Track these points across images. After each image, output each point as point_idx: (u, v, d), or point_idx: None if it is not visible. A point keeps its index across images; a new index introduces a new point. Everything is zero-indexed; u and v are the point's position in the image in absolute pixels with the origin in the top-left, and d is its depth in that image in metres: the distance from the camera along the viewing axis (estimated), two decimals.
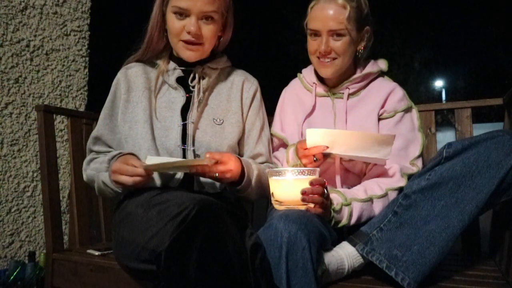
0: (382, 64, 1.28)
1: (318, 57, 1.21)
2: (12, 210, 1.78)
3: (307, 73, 1.34)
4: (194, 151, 1.13)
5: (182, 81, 1.18)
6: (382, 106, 1.22)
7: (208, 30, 1.12)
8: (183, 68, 1.19)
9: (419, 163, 1.19)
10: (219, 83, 1.23)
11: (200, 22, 1.11)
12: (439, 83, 17.89)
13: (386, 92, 1.22)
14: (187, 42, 1.12)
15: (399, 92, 1.23)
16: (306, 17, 1.23)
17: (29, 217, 1.83)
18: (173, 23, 1.11)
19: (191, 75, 1.18)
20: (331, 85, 1.28)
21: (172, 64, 1.19)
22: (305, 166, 1.16)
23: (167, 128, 1.13)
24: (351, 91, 1.25)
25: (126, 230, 0.93)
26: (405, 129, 1.20)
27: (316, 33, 1.18)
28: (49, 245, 1.36)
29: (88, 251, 1.34)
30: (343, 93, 1.25)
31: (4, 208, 1.75)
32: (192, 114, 1.15)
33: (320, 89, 1.30)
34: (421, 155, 1.20)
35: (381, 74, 1.29)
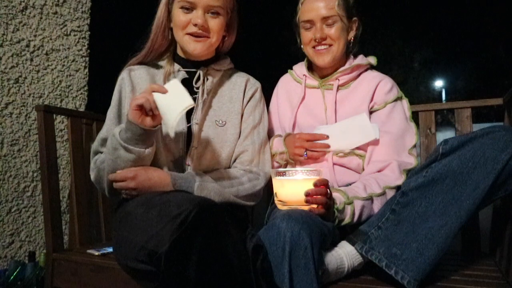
0: (371, 59, 1.32)
1: (314, 47, 1.25)
2: (12, 210, 1.78)
3: (298, 67, 1.39)
4: (197, 151, 1.14)
5: (186, 83, 1.18)
6: (372, 99, 1.24)
7: (215, 24, 1.13)
8: (187, 69, 1.19)
9: (415, 152, 1.21)
10: (222, 85, 1.23)
11: (206, 15, 1.12)
12: (439, 83, 17.87)
13: (374, 84, 1.25)
14: (193, 34, 1.13)
15: (387, 84, 1.25)
16: (297, 13, 1.30)
17: (29, 217, 1.83)
18: (180, 17, 1.12)
19: (196, 76, 1.18)
20: (322, 77, 1.31)
21: (176, 66, 1.19)
22: (292, 156, 1.23)
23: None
24: (341, 82, 1.28)
25: (126, 230, 0.92)
26: (399, 119, 1.22)
27: (310, 24, 1.25)
28: (49, 245, 1.36)
29: (88, 251, 1.34)
30: (332, 84, 1.28)
31: (4, 208, 1.75)
32: (196, 116, 1.16)
33: (310, 81, 1.33)
34: (415, 144, 1.21)
35: (370, 68, 1.33)
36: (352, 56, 1.32)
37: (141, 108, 0.95)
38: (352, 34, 1.29)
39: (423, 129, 1.50)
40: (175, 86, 0.95)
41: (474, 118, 1.46)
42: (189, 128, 1.14)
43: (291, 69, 1.41)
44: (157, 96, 0.94)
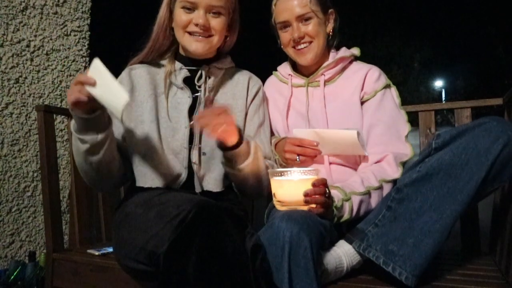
0: (354, 50, 1.31)
1: (294, 47, 1.25)
2: (13, 210, 1.78)
3: (282, 68, 1.38)
4: (200, 148, 1.14)
5: (188, 81, 1.18)
6: (362, 89, 1.24)
7: (217, 23, 1.13)
8: (189, 68, 1.19)
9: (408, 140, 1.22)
10: (224, 83, 1.24)
11: (208, 15, 1.12)
12: (439, 83, 17.92)
13: (362, 74, 1.25)
14: (194, 33, 1.13)
15: (375, 72, 1.25)
16: (272, 14, 1.29)
17: (29, 217, 1.83)
18: (181, 17, 1.12)
19: (198, 75, 1.18)
20: (307, 74, 1.31)
21: (178, 64, 1.20)
22: (284, 161, 1.22)
23: (173, 129, 1.14)
24: (326, 77, 1.27)
25: (126, 230, 0.93)
26: (389, 106, 1.22)
27: (286, 24, 1.24)
28: (49, 245, 1.36)
29: (88, 251, 1.35)
30: (319, 81, 1.28)
31: (4, 208, 1.75)
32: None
33: (296, 80, 1.32)
34: (408, 133, 1.22)
35: (354, 59, 1.32)
36: (334, 49, 1.31)
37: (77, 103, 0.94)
38: (330, 27, 1.27)
39: (423, 129, 1.50)
40: (103, 74, 0.92)
41: (474, 118, 1.46)
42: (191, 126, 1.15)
43: (276, 70, 1.40)
44: (91, 89, 0.93)
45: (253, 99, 1.24)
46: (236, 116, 1.20)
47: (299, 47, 1.23)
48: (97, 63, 0.93)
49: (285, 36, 1.25)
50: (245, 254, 0.84)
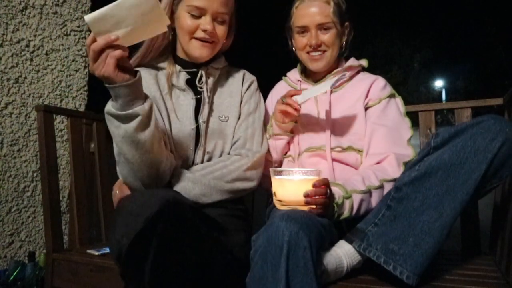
0: (363, 61, 1.34)
1: (308, 52, 1.27)
2: (12, 210, 1.78)
3: (291, 74, 1.42)
4: (205, 148, 1.16)
5: (188, 83, 1.19)
6: (366, 96, 1.26)
7: (221, 30, 1.16)
8: (188, 70, 1.20)
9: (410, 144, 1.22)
10: (221, 82, 1.26)
11: (214, 22, 1.14)
12: (439, 83, 17.92)
13: (369, 82, 1.27)
14: (201, 39, 1.14)
15: (381, 82, 1.28)
16: (291, 17, 1.30)
17: (29, 217, 1.83)
18: (187, 21, 1.13)
19: (198, 76, 1.19)
20: (316, 80, 1.34)
21: (177, 67, 1.20)
22: (280, 121, 1.23)
23: (180, 130, 1.14)
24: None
25: (112, 224, 0.93)
26: (393, 113, 1.23)
27: (304, 29, 1.26)
28: (49, 245, 1.36)
29: (88, 251, 1.35)
30: None
31: (4, 208, 1.75)
32: (203, 115, 1.17)
33: (305, 85, 1.35)
34: (411, 137, 1.22)
35: (362, 70, 1.35)
36: (343, 60, 1.35)
37: (117, 63, 0.92)
38: (344, 39, 1.31)
39: (423, 129, 1.50)
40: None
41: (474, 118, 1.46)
42: (197, 128, 1.16)
43: (285, 75, 1.43)
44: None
45: (245, 91, 1.27)
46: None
47: (313, 53, 1.26)
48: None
49: (301, 41, 1.27)
50: (208, 257, 0.85)
